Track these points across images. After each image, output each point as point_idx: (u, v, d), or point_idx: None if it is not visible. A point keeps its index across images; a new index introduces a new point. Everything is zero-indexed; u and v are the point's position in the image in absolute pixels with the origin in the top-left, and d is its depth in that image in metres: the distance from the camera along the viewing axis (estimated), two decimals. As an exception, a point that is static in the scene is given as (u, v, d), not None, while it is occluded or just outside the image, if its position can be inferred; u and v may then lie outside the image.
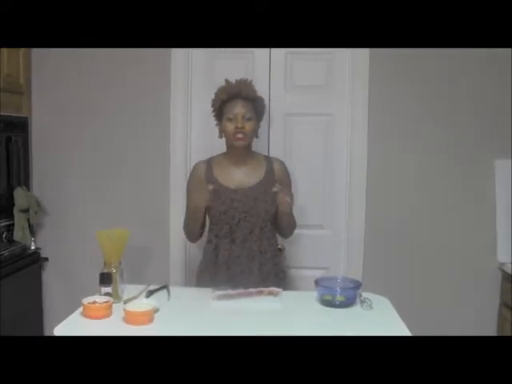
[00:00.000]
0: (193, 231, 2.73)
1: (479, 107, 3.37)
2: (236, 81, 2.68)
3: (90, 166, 3.56)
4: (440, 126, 3.39)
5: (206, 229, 2.75)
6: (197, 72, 3.46)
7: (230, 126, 2.62)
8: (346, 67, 3.38)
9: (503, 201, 3.40)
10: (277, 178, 2.71)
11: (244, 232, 2.65)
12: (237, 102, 2.61)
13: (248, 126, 2.61)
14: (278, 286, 2.51)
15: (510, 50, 3.16)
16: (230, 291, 2.41)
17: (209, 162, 2.76)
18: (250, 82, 2.72)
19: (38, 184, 3.58)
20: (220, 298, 2.37)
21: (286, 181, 2.77)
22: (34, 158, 3.55)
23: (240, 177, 2.70)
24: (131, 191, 3.54)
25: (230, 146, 2.70)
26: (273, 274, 2.70)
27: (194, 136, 3.50)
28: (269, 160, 2.79)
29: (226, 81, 2.69)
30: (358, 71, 3.35)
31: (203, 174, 2.72)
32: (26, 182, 3.46)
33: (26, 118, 3.48)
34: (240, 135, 2.61)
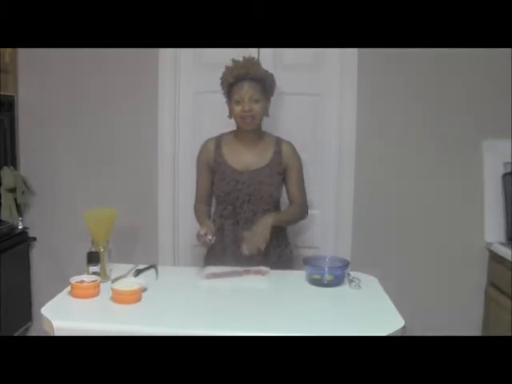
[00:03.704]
0: None
1: (468, 88, 3.36)
2: (243, 58, 2.64)
3: (78, 145, 3.53)
4: (428, 106, 3.38)
5: (212, 208, 2.78)
6: (185, 52, 3.42)
7: (238, 109, 2.60)
8: (336, 46, 3.35)
9: (491, 181, 3.40)
10: (284, 160, 2.71)
11: (247, 214, 2.66)
12: (244, 84, 2.57)
13: (256, 107, 2.59)
14: (283, 269, 2.57)
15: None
16: (217, 270, 2.42)
17: (218, 141, 2.74)
18: (257, 60, 2.69)
19: (25, 164, 3.55)
20: (208, 276, 2.38)
21: (293, 163, 2.74)
22: (20, 137, 3.52)
23: (248, 158, 2.69)
24: (120, 171, 3.52)
25: (238, 127, 2.69)
26: (275, 256, 2.70)
27: (182, 118, 3.48)
28: (278, 142, 2.75)
29: (233, 60, 2.65)
30: (347, 50, 3.32)
31: (212, 153, 2.71)
32: (12, 162, 3.44)
33: (13, 96, 3.43)
34: (248, 119, 2.60)
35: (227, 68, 2.65)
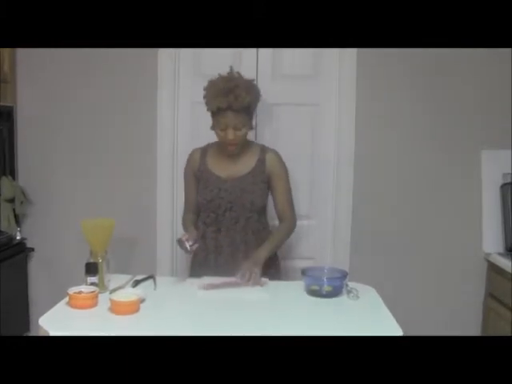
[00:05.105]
0: None
1: (467, 98, 3.37)
2: (228, 82, 2.55)
3: (76, 155, 3.52)
4: (427, 116, 3.38)
5: None
6: (184, 60, 3.42)
7: (222, 134, 2.59)
8: (334, 56, 3.35)
9: (489, 191, 3.41)
10: (267, 168, 2.69)
11: (229, 222, 2.66)
12: (227, 113, 2.53)
13: (240, 134, 2.58)
14: (271, 279, 2.54)
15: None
16: (216, 280, 2.42)
17: (204, 150, 2.76)
18: (243, 83, 2.57)
19: (23, 174, 3.53)
20: (206, 287, 2.37)
21: (277, 172, 2.71)
22: (19, 147, 3.51)
23: (231, 166, 2.69)
24: (118, 181, 3.51)
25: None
26: (263, 266, 2.65)
27: (180, 124, 3.47)
28: (263, 150, 2.73)
29: (215, 84, 2.58)
30: (346, 60, 3.33)
31: (198, 162, 2.73)
32: (11, 172, 3.43)
33: (12, 107, 3.43)
34: (231, 147, 2.61)
35: (209, 89, 2.59)
